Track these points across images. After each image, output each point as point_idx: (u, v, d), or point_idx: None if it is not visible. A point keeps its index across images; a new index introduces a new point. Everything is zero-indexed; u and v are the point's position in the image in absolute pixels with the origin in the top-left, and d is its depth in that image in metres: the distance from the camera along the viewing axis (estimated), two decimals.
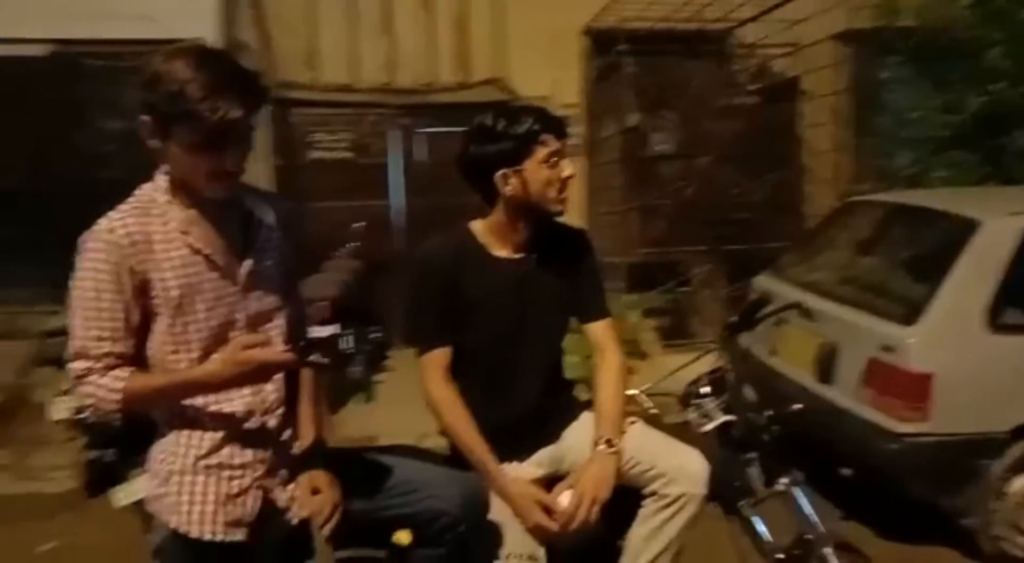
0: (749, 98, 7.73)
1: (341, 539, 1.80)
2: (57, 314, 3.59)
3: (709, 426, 2.30)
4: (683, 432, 2.30)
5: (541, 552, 1.96)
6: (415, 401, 2.15)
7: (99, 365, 1.57)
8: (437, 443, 2.25)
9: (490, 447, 2.00)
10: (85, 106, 6.41)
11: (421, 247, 2.13)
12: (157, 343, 1.63)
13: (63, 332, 1.65)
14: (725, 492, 2.36)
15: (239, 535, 1.64)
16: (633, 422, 2.12)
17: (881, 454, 3.36)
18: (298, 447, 1.78)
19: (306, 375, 1.86)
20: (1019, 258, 3.37)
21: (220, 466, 1.65)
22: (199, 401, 1.65)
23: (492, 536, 1.92)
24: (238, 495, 1.65)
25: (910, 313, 3.42)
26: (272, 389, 1.72)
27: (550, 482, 2.08)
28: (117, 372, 1.58)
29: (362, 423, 5.07)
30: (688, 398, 2.43)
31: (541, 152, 1.99)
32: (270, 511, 1.70)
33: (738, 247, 6.25)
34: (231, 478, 1.65)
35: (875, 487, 3.65)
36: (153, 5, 5.73)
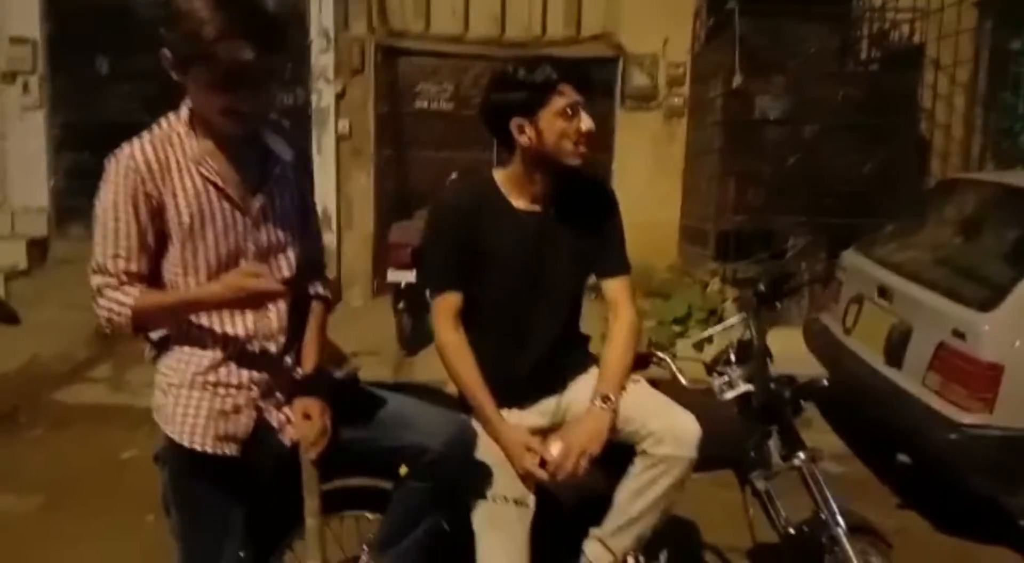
0: (868, 65, 7.31)
1: (336, 467, 1.88)
2: None
3: (730, 394, 2.28)
4: (706, 398, 2.28)
5: (531, 499, 2.00)
6: None
7: (114, 281, 1.69)
8: None
9: (499, 395, 2.05)
10: None
11: (443, 192, 2.16)
12: (170, 265, 1.74)
13: None
14: (741, 461, 2.33)
15: (230, 449, 1.75)
16: (636, 381, 2.11)
17: (940, 444, 3.22)
18: (298, 374, 1.86)
19: (316, 307, 1.94)
20: None
21: (216, 383, 1.76)
22: (204, 321, 1.76)
23: (482, 476, 1.97)
24: (232, 412, 1.76)
25: (989, 299, 3.24)
26: (275, 316, 1.81)
27: (551, 433, 2.10)
28: (129, 288, 1.70)
29: (439, 367, 5.18)
30: (714, 365, 2.40)
31: (558, 102, 1.97)
32: (264, 432, 1.80)
33: (841, 221, 5.96)
34: (225, 396, 1.76)
35: (935, 478, 3.49)
36: None
